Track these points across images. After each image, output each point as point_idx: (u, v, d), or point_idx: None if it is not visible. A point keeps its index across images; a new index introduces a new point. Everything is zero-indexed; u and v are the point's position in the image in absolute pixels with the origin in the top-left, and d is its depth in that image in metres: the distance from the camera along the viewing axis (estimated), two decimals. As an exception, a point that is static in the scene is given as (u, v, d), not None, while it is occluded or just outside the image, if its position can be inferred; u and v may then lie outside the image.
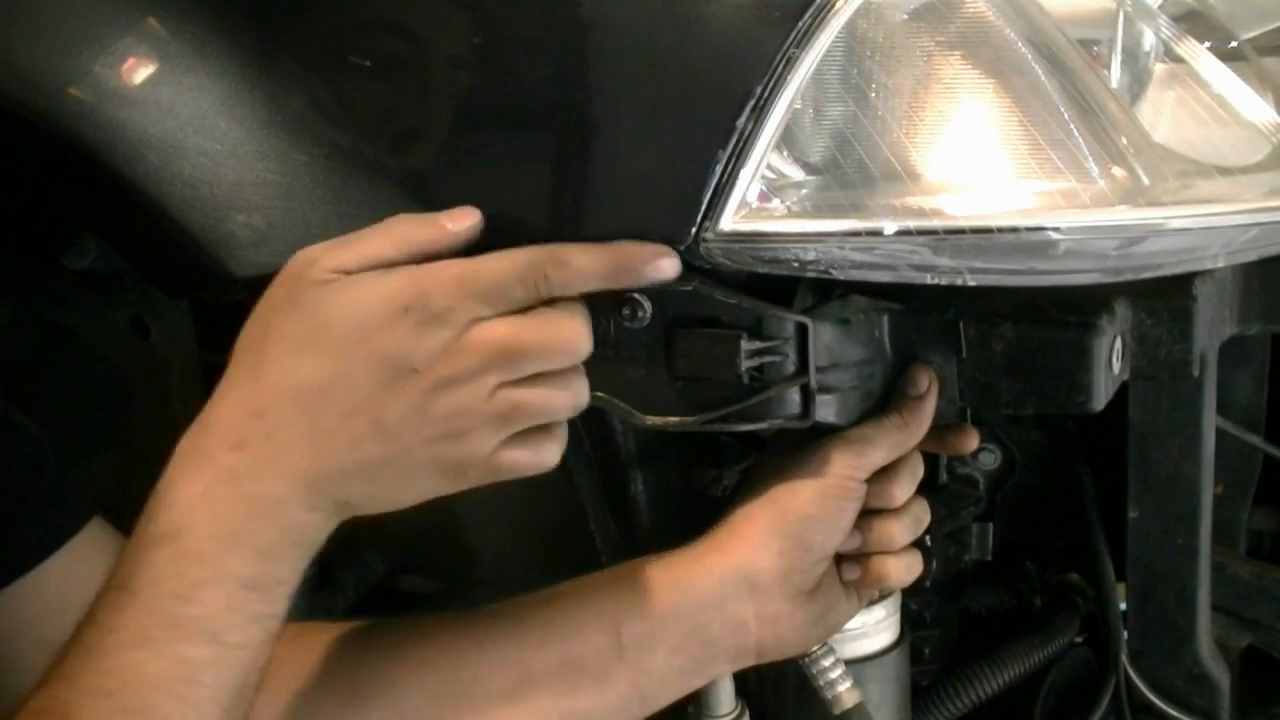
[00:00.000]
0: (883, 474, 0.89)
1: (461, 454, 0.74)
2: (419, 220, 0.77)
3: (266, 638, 0.73)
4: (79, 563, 0.84)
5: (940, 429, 0.92)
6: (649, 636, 0.87)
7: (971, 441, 0.95)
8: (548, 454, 0.76)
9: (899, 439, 0.89)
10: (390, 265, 0.74)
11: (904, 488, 0.90)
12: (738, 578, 0.87)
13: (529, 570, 1.21)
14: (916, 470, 0.92)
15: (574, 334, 0.75)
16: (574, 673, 0.86)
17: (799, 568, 0.88)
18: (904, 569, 0.91)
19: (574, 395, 0.76)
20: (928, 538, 0.95)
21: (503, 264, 0.74)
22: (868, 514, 0.90)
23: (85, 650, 0.70)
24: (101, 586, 0.73)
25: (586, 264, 0.76)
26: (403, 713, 0.85)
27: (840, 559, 0.91)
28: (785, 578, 0.87)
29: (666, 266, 0.78)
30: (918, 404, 0.89)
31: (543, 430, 0.76)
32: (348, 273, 0.74)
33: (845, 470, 0.87)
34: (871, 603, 0.97)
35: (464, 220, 0.77)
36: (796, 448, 0.90)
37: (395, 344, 0.72)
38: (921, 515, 0.93)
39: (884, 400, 0.90)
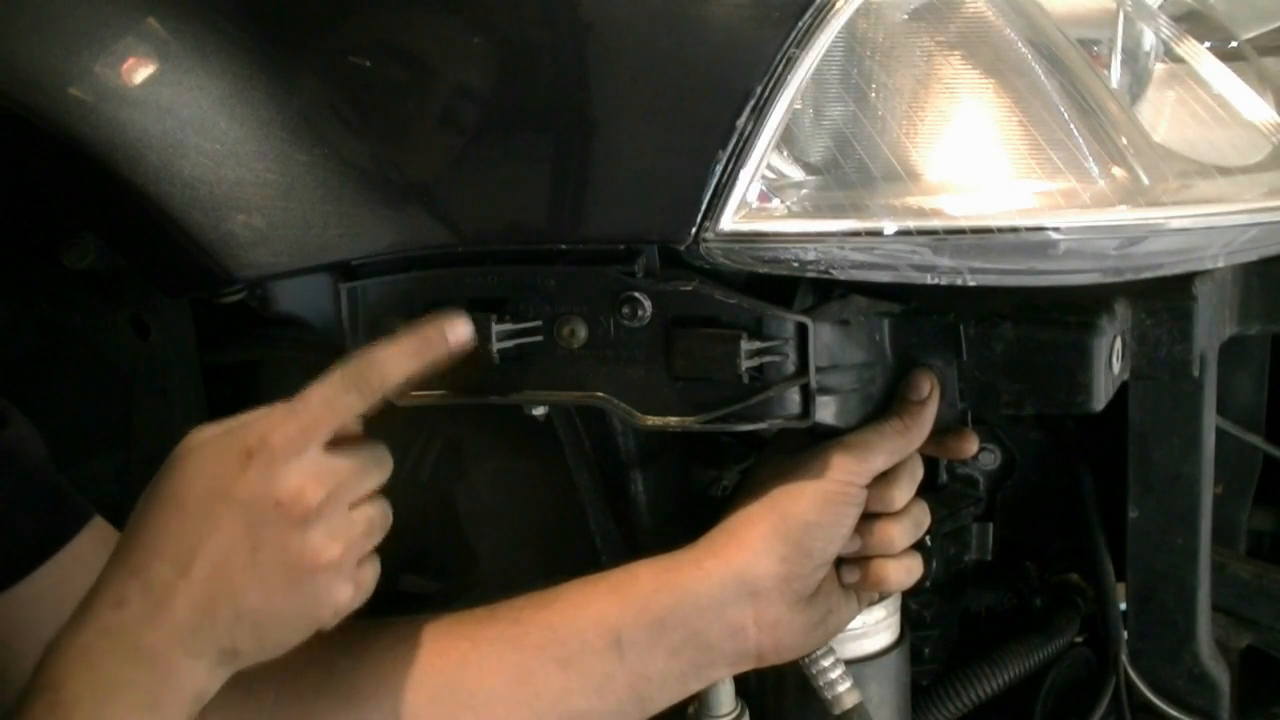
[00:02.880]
0: (882, 478, 0.89)
1: (339, 581, 0.76)
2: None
3: None
4: (78, 565, 0.84)
5: (940, 433, 0.92)
6: (648, 640, 0.86)
7: (971, 446, 0.95)
8: (376, 567, 0.79)
9: (900, 444, 0.89)
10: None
11: (903, 492, 0.90)
12: (737, 583, 0.87)
13: (529, 570, 1.21)
14: (916, 474, 0.92)
15: (385, 453, 0.79)
16: (573, 675, 0.86)
17: (799, 573, 0.87)
18: (903, 572, 0.91)
19: (387, 512, 0.79)
20: (928, 538, 0.94)
21: (325, 386, 0.77)
22: (867, 517, 0.89)
23: None
24: None
25: (394, 351, 0.80)
26: (401, 714, 0.85)
27: (840, 562, 0.91)
28: (785, 583, 0.87)
29: (460, 328, 0.82)
30: (919, 409, 0.89)
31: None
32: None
33: (846, 476, 0.87)
34: (871, 603, 0.96)
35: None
36: (797, 451, 0.90)
37: (252, 487, 0.74)
38: (921, 518, 0.92)
39: (884, 404, 0.90)
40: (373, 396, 0.78)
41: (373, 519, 0.78)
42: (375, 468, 0.78)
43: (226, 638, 0.74)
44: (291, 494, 0.74)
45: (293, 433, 0.75)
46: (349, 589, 0.76)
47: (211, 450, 0.75)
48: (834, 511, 0.87)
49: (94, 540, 0.87)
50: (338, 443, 0.77)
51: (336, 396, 0.77)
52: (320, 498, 0.74)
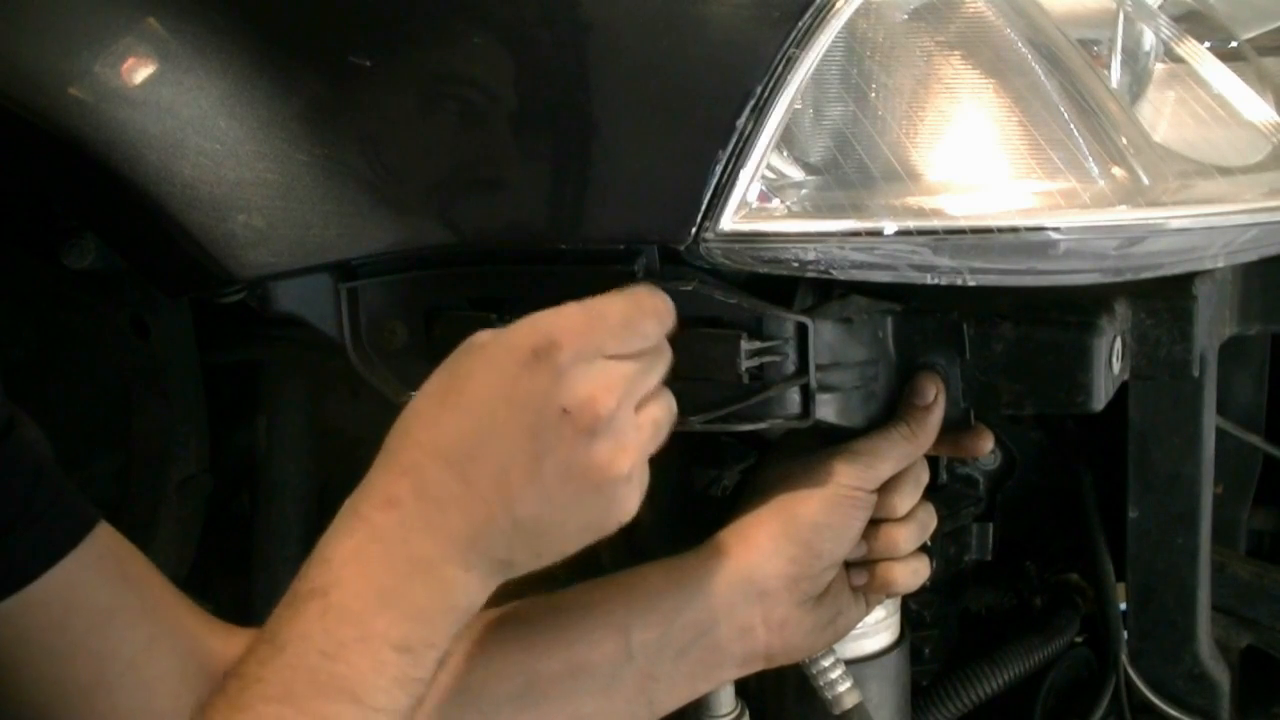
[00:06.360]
0: (887, 485, 0.89)
1: (626, 490, 0.73)
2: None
3: (412, 703, 0.71)
4: (85, 570, 0.83)
5: (953, 431, 0.92)
6: (657, 642, 0.86)
7: (986, 444, 0.94)
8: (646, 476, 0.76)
9: (907, 449, 0.89)
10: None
11: (907, 499, 0.90)
12: (745, 583, 0.87)
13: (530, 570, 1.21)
14: (921, 479, 0.92)
15: (664, 343, 0.77)
16: (582, 678, 0.86)
17: (808, 574, 0.88)
18: (910, 574, 0.92)
19: (672, 404, 0.77)
20: (928, 539, 0.95)
21: (625, 300, 0.75)
22: (873, 522, 0.90)
23: (227, 701, 0.70)
24: (252, 639, 0.72)
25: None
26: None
27: (847, 565, 0.91)
28: (794, 584, 0.87)
29: None
30: (924, 414, 0.89)
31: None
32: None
33: (855, 481, 0.87)
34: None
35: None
36: (803, 454, 0.90)
37: (537, 390, 0.71)
38: (928, 521, 0.93)
39: (888, 403, 0.90)
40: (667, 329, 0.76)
41: (658, 419, 0.75)
42: (658, 360, 0.76)
43: (503, 549, 0.72)
44: (580, 402, 0.70)
45: (585, 343, 0.72)
46: (635, 498, 0.74)
47: (496, 347, 0.72)
48: (843, 515, 0.88)
49: (100, 546, 0.86)
50: None
51: (637, 319, 0.74)
52: (610, 407, 0.71)
